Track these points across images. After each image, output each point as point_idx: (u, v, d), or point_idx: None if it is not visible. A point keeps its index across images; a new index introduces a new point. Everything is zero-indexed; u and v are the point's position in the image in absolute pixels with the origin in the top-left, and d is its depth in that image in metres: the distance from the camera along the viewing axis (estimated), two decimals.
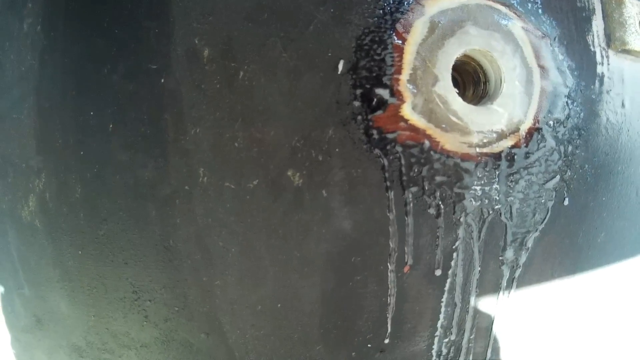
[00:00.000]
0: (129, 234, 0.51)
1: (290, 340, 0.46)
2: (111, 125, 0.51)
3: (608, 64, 0.53)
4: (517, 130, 0.45)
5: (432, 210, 0.42)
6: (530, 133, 0.46)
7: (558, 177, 0.47)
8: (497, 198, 0.44)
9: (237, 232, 0.44)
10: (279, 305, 0.45)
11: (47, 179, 0.59)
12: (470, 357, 0.48)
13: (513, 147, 0.45)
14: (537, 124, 0.46)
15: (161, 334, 0.54)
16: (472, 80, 0.49)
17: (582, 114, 0.50)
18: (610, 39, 0.55)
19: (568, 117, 0.48)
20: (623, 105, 0.55)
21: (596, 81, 0.52)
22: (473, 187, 0.43)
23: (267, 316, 0.46)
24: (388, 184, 0.41)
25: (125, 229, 0.51)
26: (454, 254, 0.43)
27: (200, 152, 0.44)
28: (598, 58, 0.53)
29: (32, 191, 0.62)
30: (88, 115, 0.53)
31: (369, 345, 0.45)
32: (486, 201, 0.44)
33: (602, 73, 0.52)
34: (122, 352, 0.61)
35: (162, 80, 0.47)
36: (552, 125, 0.47)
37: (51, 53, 0.54)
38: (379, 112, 0.41)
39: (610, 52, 0.54)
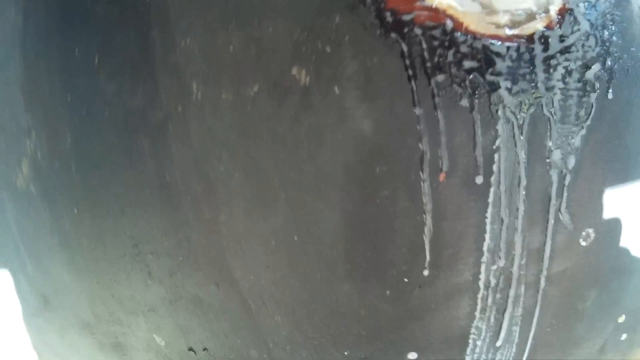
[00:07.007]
0: (122, 176, 0.46)
1: (312, 281, 0.40)
2: (97, 58, 0.46)
3: None
4: (547, 10, 0.38)
5: (464, 102, 0.36)
6: (561, 14, 0.39)
7: (598, 64, 0.40)
8: (537, 87, 0.37)
9: (239, 151, 0.38)
10: (295, 237, 0.39)
11: (37, 135, 0.55)
12: (522, 289, 0.41)
13: (545, 29, 0.38)
14: (567, 4, 0.39)
15: (167, 291, 0.48)
16: None
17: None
18: None
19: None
20: None
21: None
22: (508, 74, 0.36)
23: (282, 253, 0.40)
24: (410, 72, 0.35)
25: (118, 172, 0.46)
26: (495, 156, 0.37)
27: (192, 65, 0.39)
28: None
29: (24, 154, 0.58)
30: (73, 53, 0.48)
31: (405, 280, 0.38)
32: (525, 90, 0.37)
33: None
34: (131, 320, 0.55)
35: None
36: (583, 7, 0.40)
37: None
38: None
39: None
